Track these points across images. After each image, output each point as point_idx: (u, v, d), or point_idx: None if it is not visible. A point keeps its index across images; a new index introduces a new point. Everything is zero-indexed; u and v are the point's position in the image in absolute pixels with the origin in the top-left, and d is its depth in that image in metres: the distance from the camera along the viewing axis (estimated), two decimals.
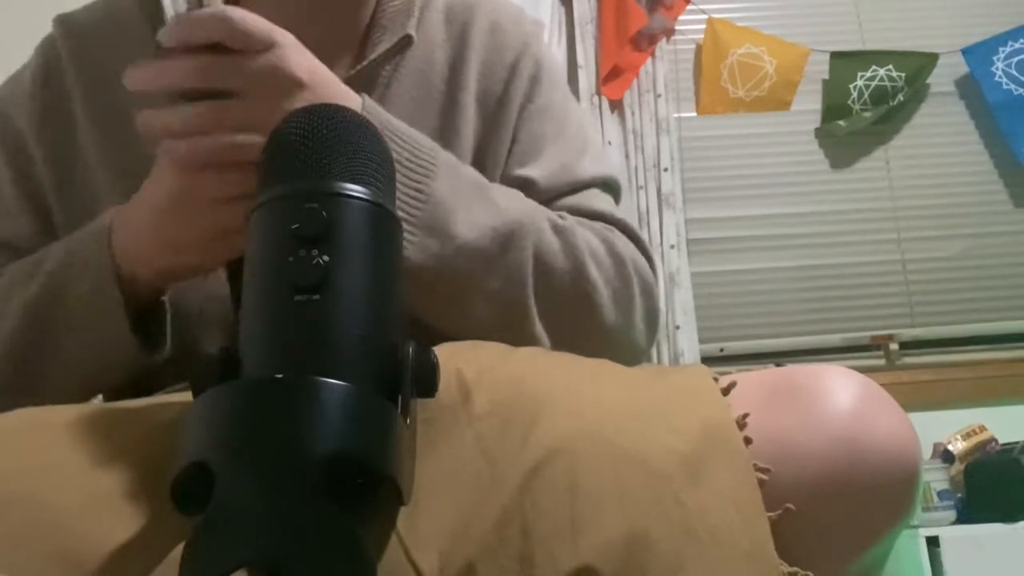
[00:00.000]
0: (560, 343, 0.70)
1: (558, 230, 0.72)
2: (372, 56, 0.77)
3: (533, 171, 0.80)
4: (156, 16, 0.77)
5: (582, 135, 0.87)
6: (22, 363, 0.67)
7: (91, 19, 0.80)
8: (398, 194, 0.60)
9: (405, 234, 0.62)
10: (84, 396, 0.69)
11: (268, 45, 0.59)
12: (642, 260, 0.78)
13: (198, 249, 0.62)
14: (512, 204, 0.71)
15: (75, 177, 0.76)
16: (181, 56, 0.57)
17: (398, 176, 0.59)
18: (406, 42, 0.79)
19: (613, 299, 0.74)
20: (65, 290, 0.66)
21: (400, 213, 0.59)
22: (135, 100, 0.75)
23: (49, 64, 0.78)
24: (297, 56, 0.61)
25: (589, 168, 0.83)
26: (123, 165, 0.74)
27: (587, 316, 0.72)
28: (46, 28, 0.82)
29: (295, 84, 0.60)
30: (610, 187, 0.85)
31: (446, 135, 0.78)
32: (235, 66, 0.58)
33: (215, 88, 0.58)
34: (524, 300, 0.69)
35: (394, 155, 0.57)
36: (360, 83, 0.76)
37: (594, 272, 0.72)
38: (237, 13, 0.57)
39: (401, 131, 0.67)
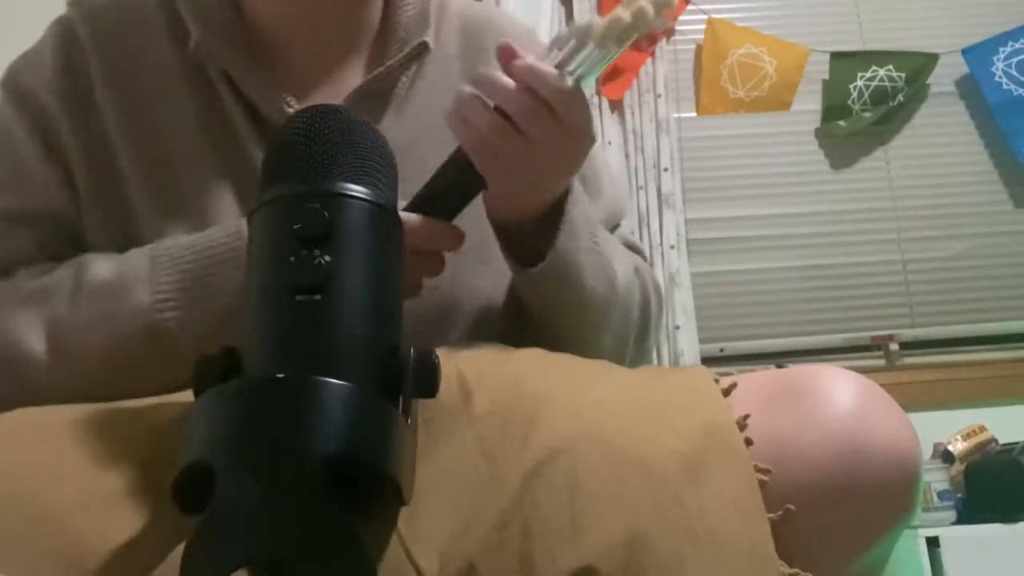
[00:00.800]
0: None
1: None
2: (389, 62, 0.77)
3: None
4: (173, 13, 0.77)
5: (603, 158, 0.91)
6: (127, 370, 0.65)
7: (108, 7, 0.80)
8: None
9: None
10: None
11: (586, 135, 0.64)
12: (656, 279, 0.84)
13: None
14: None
15: (99, 155, 0.74)
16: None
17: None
18: (422, 49, 0.78)
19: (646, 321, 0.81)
20: (198, 293, 0.64)
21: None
22: (153, 84, 0.75)
23: (69, 43, 0.77)
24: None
25: (619, 196, 0.87)
26: (144, 150, 0.73)
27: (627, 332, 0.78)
28: (45, 27, 0.81)
29: (583, 146, 0.65)
30: (624, 214, 0.89)
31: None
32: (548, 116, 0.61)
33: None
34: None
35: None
36: (378, 89, 0.76)
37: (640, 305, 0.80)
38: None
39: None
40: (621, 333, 0.77)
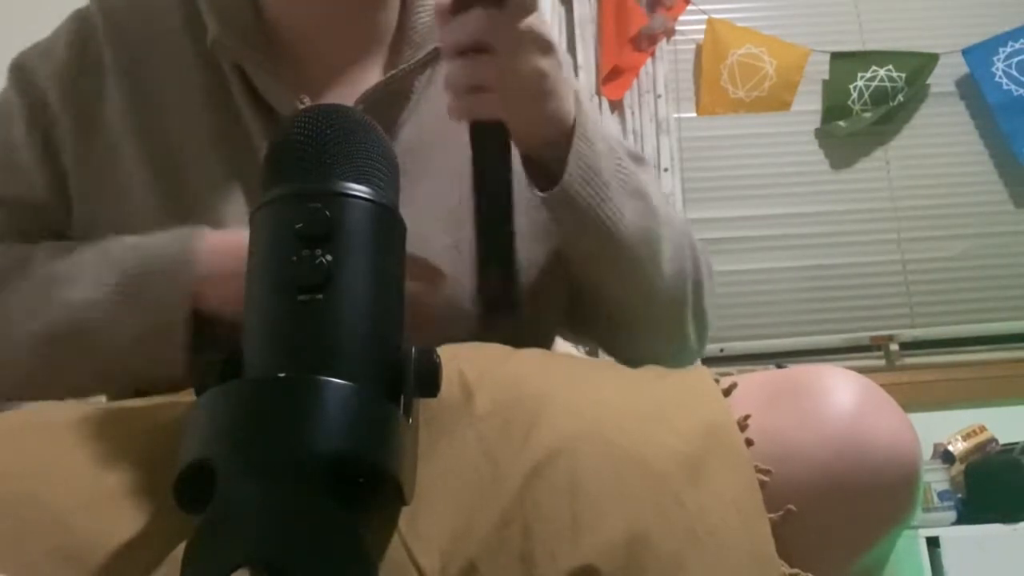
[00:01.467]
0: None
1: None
2: (403, 65, 0.77)
3: None
4: (191, 10, 0.77)
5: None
6: (53, 363, 0.65)
7: (126, 2, 0.80)
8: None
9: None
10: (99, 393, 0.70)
11: (531, 9, 0.62)
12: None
13: None
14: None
15: (97, 148, 0.75)
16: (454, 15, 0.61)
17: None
18: (437, 54, 0.78)
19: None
20: (129, 305, 0.64)
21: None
22: (166, 79, 0.76)
23: (85, 35, 0.77)
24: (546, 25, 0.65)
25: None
26: (151, 141, 0.74)
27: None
28: (46, 27, 0.82)
29: (548, 47, 0.63)
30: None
31: None
32: (505, 24, 0.61)
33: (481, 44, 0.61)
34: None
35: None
36: (392, 91, 0.76)
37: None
38: None
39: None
40: (677, 266, 0.74)
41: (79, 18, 0.79)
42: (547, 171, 0.68)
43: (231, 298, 0.56)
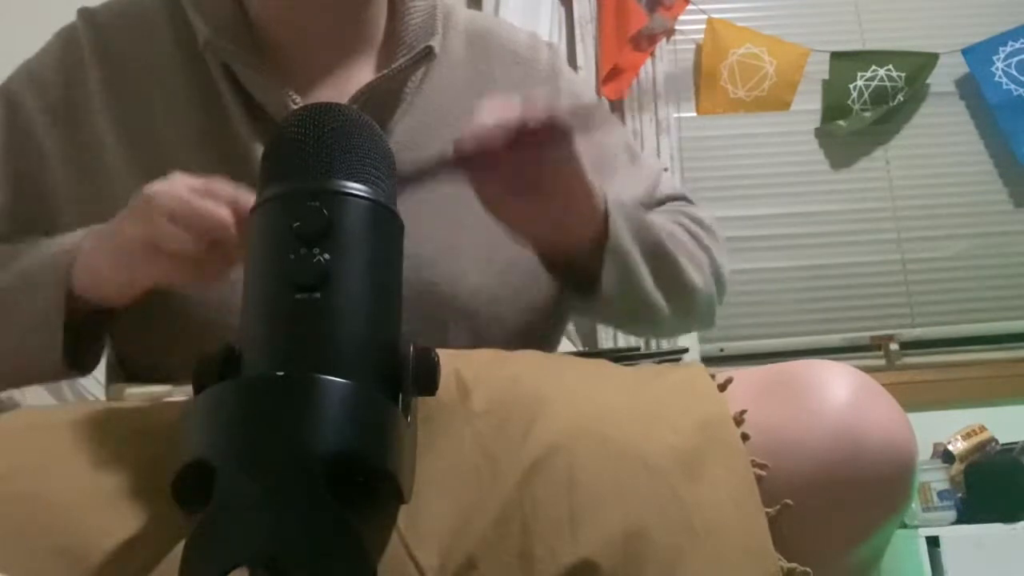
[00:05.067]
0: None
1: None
2: (396, 64, 0.77)
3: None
4: (178, 16, 0.78)
5: (627, 143, 0.93)
6: None
7: (114, 14, 0.80)
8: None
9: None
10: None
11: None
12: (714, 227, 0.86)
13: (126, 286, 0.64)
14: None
15: (86, 157, 0.76)
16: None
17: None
18: (428, 54, 0.78)
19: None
20: (20, 297, 0.67)
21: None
22: (155, 95, 0.76)
23: (71, 54, 0.78)
24: None
25: (658, 182, 0.89)
26: (141, 157, 0.74)
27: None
28: (47, 28, 0.82)
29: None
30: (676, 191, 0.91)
31: None
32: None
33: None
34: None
35: None
36: (384, 91, 0.76)
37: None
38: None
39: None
40: (702, 285, 0.79)
41: (66, 36, 0.80)
42: (574, 262, 0.71)
43: (95, 274, 0.63)
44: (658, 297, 0.74)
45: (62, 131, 0.76)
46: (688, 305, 0.78)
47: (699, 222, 0.84)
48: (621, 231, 0.70)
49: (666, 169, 2.64)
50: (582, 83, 0.93)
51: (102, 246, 0.64)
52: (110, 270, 0.63)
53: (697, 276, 0.78)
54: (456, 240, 0.74)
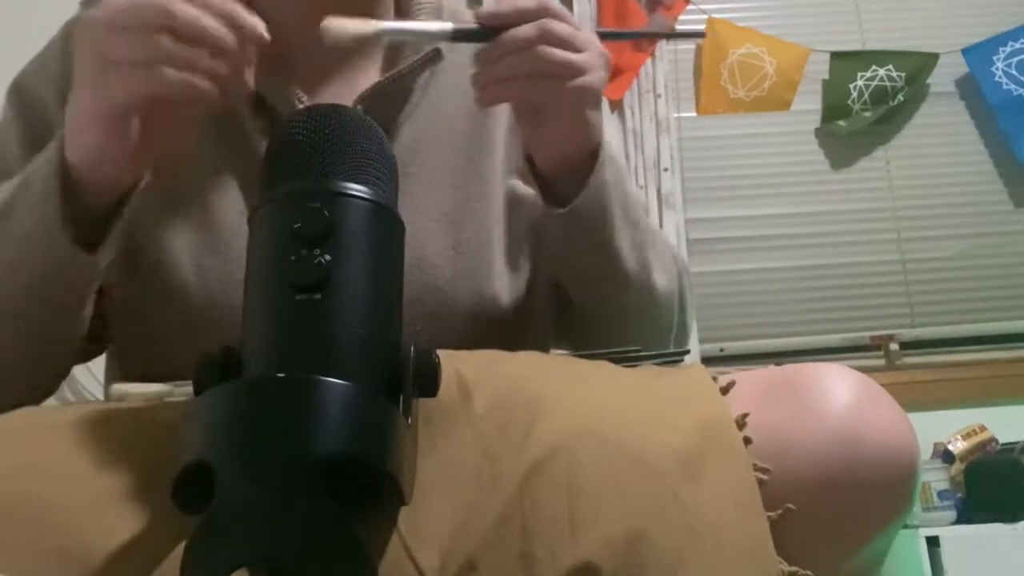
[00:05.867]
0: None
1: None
2: (402, 66, 0.77)
3: None
4: None
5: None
6: None
7: None
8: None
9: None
10: (24, 311, 0.65)
11: None
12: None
13: (102, 126, 0.59)
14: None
15: None
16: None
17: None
18: (434, 56, 0.79)
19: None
20: (21, 194, 0.63)
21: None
22: None
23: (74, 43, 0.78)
24: None
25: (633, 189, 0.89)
26: None
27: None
28: (46, 28, 0.82)
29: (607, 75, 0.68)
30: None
31: (475, 155, 0.79)
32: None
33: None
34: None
35: None
36: (392, 91, 0.76)
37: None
38: None
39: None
40: (666, 285, 0.78)
41: (69, 26, 0.79)
42: (556, 188, 0.70)
43: (78, 145, 0.59)
44: (624, 256, 0.72)
45: None
46: (648, 295, 0.76)
47: (677, 254, 0.85)
48: (607, 172, 0.70)
49: (666, 169, 2.65)
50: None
51: (83, 94, 0.59)
52: (101, 116, 0.58)
53: (662, 277, 0.77)
54: (456, 242, 0.74)
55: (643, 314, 0.77)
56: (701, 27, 2.81)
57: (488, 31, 0.64)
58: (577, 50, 0.64)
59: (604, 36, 0.69)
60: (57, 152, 0.61)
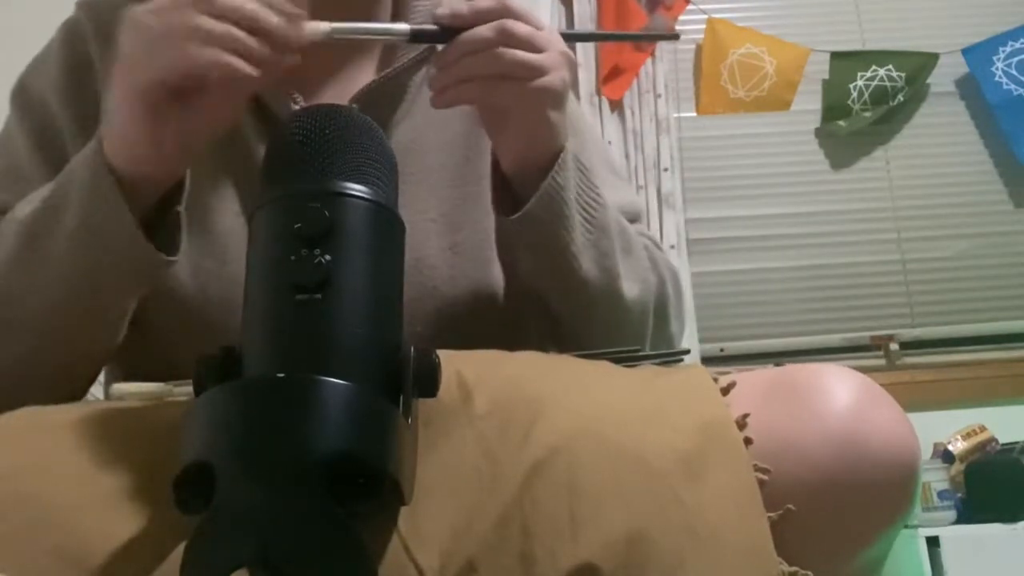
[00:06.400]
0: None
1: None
2: (397, 64, 0.77)
3: None
4: None
5: (605, 154, 0.91)
6: (16, 276, 0.63)
7: (114, 6, 0.80)
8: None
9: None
10: (78, 321, 0.65)
11: None
12: (675, 268, 0.85)
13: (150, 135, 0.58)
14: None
15: None
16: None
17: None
18: (429, 55, 0.78)
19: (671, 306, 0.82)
20: (65, 199, 0.62)
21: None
22: None
23: (75, 41, 0.78)
24: None
25: (631, 198, 0.88)
26: None
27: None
28: (47, 27, 0.82)
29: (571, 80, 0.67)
30: (640, 213, 0.89)
31: (471, 154, 0.79)
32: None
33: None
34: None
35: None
36: (386, 91, 0.76)
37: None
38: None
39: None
40: (637, 297, 0.75)
41: (67, 26, 0.79)
42: (520, 192, 0.69)
43: (123, 146, 0.58)
44: (581, 263, 0.70)
45: (73, 111, 0.75)
46: (614, 303, 0.73)
47: (668, 263, 0.83)
48: (567, 176, 0.69)
49: (666, 169, 2.65)
50: (575, 100, 0.93)
51: (121, 80, 0.58)
52: (142, 110, 0.57)
53: (632, 286, 0.75)
54: (453, 242, 0.74)
55: (610, 323, 0.75)
56: (701, 27, 2.81)
57: (447, 32, 0.63)
58: (538, 50, 0.63)
59: (568, 37, 0.68)
60: (98, 153, 0.60)
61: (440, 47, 0.64)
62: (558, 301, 0.74)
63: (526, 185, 0.68)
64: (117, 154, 0.60)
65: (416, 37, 0.64)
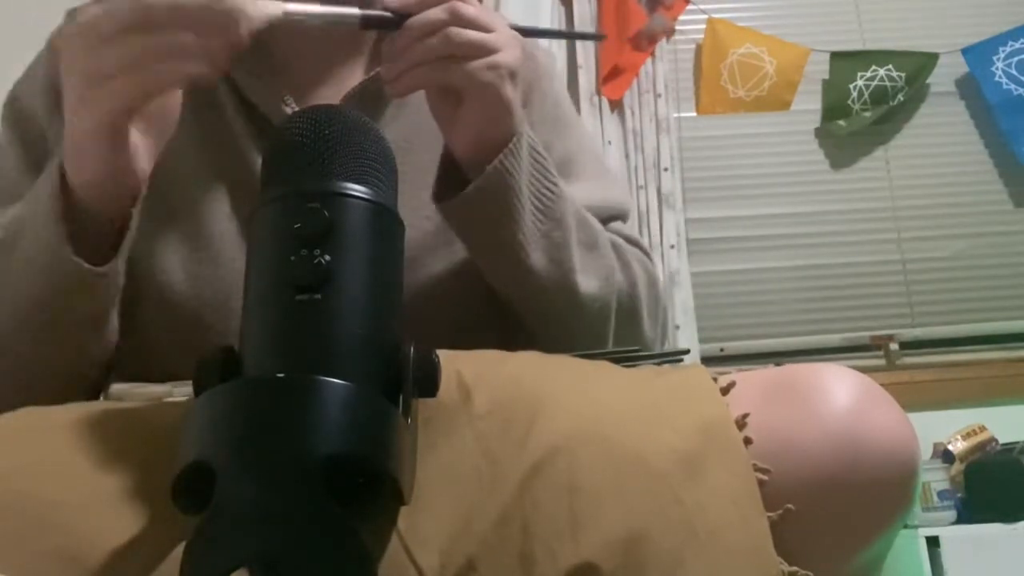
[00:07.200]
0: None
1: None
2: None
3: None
4: None
5: (595, 152, 0.90)
6: None
7: None
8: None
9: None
10: (34, 333, 0.66)
11: None
12: (654, 271, 0.83)
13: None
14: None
15: None
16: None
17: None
18: None
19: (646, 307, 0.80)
20: (28, 219, 0.63)
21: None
22: None
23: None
24: None
25: (616, 196, 0.87)
26: None
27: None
28: (44, 33, 0.82)
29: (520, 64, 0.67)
30: (625, 213, 0.88)
31: None
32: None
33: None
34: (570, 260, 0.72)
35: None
36: (376, 91, 0.76)
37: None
38: None
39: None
40: (596, 295, 0.74)
41: (55, 36, 0.79)
42: (464, 183, 0.68)
43: (80, 168, 0.58)
44: (529, 252, 0.69)
45: (60, 126, 0.76)
46: (568, 298, 0.72)
47: (646, 264, 0.82)
48: (520, 159, 0.68)
49: (666, 169, 2.65)
50: (567, 98, 0.92)
51: (80, 115, 0.58)
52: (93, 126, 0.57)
53: (589, 281, 0.73)
54: (449, 240, 0.74)
55: (564, 317, 0.73)
56: (701, 27, 2.81)
57: (398, 17, 0.63)
58: (488, 30, 0.64)
59: (516, 31, 0.68)
60: (57, 176, 0.60)
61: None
62: (507, 293, 0.73)
63: (478, 170, 0.67)
64: (81, 179, 0.60)
65: (367, 23, 0.64)
